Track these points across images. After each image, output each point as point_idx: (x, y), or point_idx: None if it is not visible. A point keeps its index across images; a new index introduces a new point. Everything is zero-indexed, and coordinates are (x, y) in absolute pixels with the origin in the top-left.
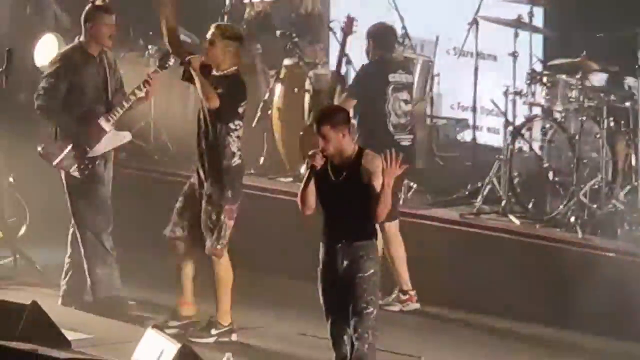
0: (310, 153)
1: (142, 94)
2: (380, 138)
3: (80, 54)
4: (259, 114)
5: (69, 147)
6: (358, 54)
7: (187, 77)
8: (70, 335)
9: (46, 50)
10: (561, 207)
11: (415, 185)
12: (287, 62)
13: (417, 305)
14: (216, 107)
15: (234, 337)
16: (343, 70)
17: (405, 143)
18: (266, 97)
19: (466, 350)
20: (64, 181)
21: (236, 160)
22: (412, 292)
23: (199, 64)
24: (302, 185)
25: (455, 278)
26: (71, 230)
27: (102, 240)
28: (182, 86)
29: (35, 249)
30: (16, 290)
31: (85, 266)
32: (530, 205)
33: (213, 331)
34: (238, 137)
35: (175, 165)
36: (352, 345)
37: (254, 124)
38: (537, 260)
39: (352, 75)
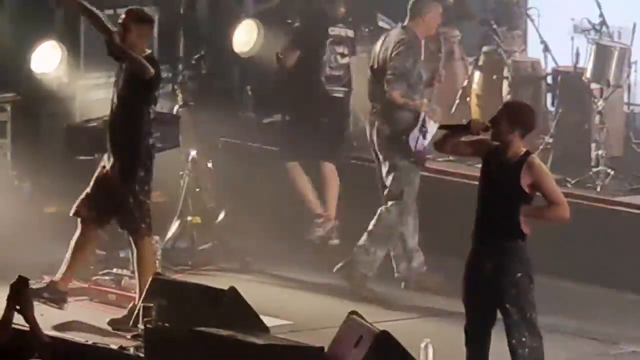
0: (474, 120)
1: None
2: (311, 88)
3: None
4: (457, 101)
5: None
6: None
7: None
8: (269, 321)
9: (244, 36)
10: None
11: (612, 172)
12: (485, 49)
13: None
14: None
15: None
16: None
17: (337, 95)
18: (465, 84)
19: None
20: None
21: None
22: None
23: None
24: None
25: None
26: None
27: None
28: None
29: (234, 235)
30: (214, 276)
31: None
32: None
33: None
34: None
35: None
36: (512, 352)
37: (452, 111)
38: None
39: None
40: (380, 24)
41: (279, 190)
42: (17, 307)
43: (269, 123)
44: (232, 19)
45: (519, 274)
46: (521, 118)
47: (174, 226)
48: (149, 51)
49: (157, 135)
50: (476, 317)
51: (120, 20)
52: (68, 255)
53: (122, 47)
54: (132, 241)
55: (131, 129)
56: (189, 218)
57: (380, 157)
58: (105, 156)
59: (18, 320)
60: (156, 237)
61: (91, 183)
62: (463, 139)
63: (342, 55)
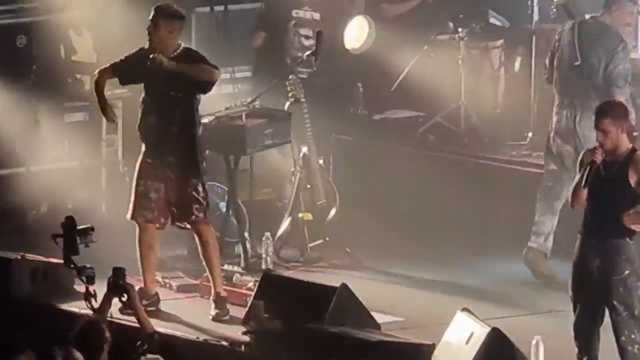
0: (588, 148)
1: None
2: (276, 69)
3: None
4: None
5: None
6: None
7: (126, 81)
8: (380, 318)
9: (355, 32)
10: None
11: None
12: None
13: None
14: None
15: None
16: None
17: (302, 75)
18: None
19: None
20: None
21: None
22: None
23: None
24: (578, 180)
25: None
26: None
27: None
28: (492, 68)
29: (345, 233)
30: (326, 272)
31: None
32: None
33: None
34: None
35: (485, 149)
36: (622, 349)
37: None
38: None
39: None
40: (492, 20)
41: (393, 188)
42: (122, 298)
43: (380, 119)
44: (344, 15)
45: (627, 272)
46: (624, 114)
47: (285, 223)
48: (182, 45)
49: (269, 131)
50: (584, 314)
51: (149, 17)
52: (141, 259)
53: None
54: (198, 231)
55: (191, 126)
56: (300, 215)
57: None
58: (145, 156)
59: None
60: (267, 234)
61: (140, 185)
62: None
63: (307, 37)
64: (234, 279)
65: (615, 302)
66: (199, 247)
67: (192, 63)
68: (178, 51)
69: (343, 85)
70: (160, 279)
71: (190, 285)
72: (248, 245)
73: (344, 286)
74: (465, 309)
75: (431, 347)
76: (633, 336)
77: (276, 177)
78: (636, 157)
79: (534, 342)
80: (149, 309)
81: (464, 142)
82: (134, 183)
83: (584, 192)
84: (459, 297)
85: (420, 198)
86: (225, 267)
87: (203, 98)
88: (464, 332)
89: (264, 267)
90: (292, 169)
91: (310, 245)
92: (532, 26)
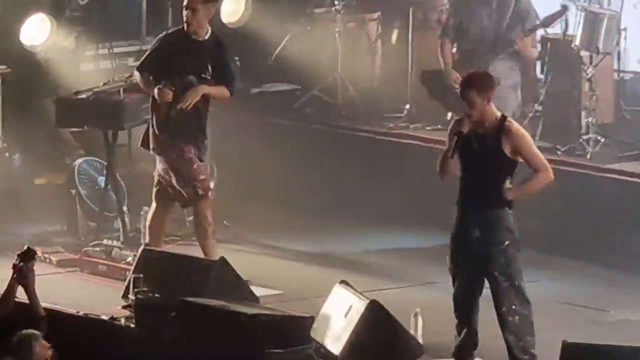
0: (456, 119)
1: None
2: None
3: None
4: None
5: None
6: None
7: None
8: (259, 291)
9: (231, 6)
10: None
11: (602, 140)
12: None
13: None
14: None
15: None
16: None
17: None
18: None
19: None
20: None
21: None
22: None
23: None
24: (445, 152)
25: None
26: None
27: None
28: (369, 41)
29: (223, 206)
30: None
31: None
32: None
33: None
34: None
35: (362, 122)
36: (502, 319)
37: None
38: None
39: None
40: None
41: (271, 161)
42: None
43: (257, 93)
44: None
45: (507, 242)
46: (488, 85)
47: None
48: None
49: (147, 106)
50: (464, 286)
51: (185, 3)
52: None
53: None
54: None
55: (204, 115)
56: None
57: None
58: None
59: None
60: (146, 208)
61: (163, 173)
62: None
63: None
64: (112, 253)
65: (495, 273)
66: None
67: (221, 51)
68: (208, 35)
69: None
70: (40, 254)
71: (70, 259)
72: (127, 220)
73: (223, 260)
74: (343, 282)
75: (310, 320)
76: (514, 307)
77: None
78: (507, 127)
79: (413, 313)
80: None
81: (341, 115)
82: None
83: (452, 163)
84: (338, 270)
85: (298, 171)
86: (105, 241)
87: (81, 74)
88: (342, 304)
89: (142, 241)
90: None
91: (189, 219)
92: None
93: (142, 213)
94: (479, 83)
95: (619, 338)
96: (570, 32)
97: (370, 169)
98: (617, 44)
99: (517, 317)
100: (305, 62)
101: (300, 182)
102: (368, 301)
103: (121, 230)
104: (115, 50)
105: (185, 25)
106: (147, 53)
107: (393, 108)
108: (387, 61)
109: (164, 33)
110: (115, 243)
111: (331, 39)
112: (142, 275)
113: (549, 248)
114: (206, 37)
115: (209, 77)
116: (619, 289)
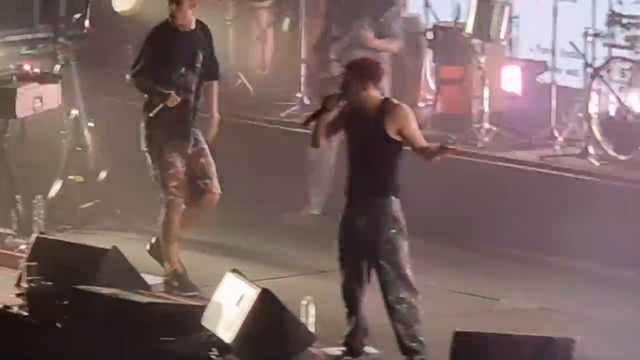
0: (326, 96)
1: None
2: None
3: None
4: None
5: None
6: None
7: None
8: (150, 280)
9: None
10: None
11: (495, 128)
12: None
13: None
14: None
15: None
16: None
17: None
18: None
19: (549, 292)
20: None
21: None
22: None
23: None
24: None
25: (535, 221)
26: None
27: None
28: (260, 29)
29: (116, 194)
30: (97, 234)
31: None
32: (610, 147)
33: None
34: None
35: (254, 110)
36: (390, 308)
37: None
38: (618, 201)
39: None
40: None
41: None
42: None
43: None
44: None
45: (393, 230)
46: (368, 71)
47: (56, 185)
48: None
49: (40, 94)
50: (351, 274)
51: None
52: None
53: None
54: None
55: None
56: (71, 177)
57: None
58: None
59: None
60: (38, 197)
61: (182, 168)
62: (329, 122)
63: None
64: (6, 241)
65: (382, 262)
66: None
67: (209, 38)
68: (194, 24)
69: (113, 47)
70: None
71: None
72: (20, 208)
73: (114, 248)
74: (235, 270)
75: (201, 308)
76: (402, 295)
77: (48, 140)
78: (389, 106)
79: (304, 302)
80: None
81: (233, 103)
82: None
83: (321, 134)
84: (229, 258)
85: None
86: None
87: None
88: (234, 293)
89: (35, 229)
90: (62, 132)
91: (81, 207)
92: None
93: (34, 201)
94: (358, 68)
95: (508, 326)
96: (461, 19)
97: (263, 157)
98: (509, 32)
99: (405, 306)
100: None
101: None
102: (260, 290)
103: (14, 218)
104: (8, 38)
105: (170, 18)
106: (137, 58)
107: (285, 97)
108: (278, 49)
109: (150, 33)
110: (8, 231)
111: (222, 27)
112: (35, 264)
113: (438, 237)
114: (193, 27)
115: (200, 66)
116: (508, 277)
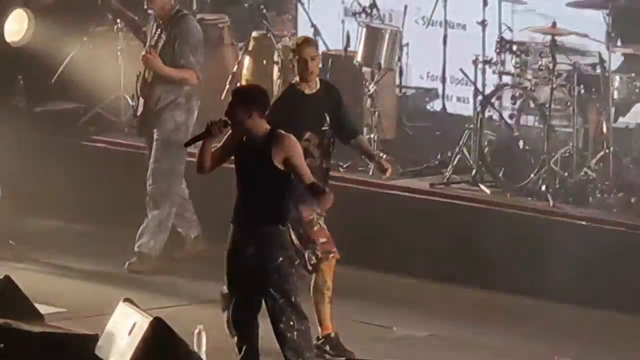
0: (211, 121)
1: None
2: None
3: None
4: (227, 86)
5: None
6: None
7: None
8: (43, 309)
9: (15, 25)
10: (532, 175)
11: (385, 156)
12: (255, 34)
13: None
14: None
15: None
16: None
17: None
18: (234, 69)
19: (439, 319)
20: None
21: None
22: None
23: None
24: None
25: (426, 249)
26: None
27: None
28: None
29: (8, 225)
30: None
31: None
32: (500, 175)
33: None
34: None
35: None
36: (281, 336)
37: (222, 97)
38: (508, 229)
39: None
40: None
41: (56, 179)
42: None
43: (41, 111)
44: (3, 8)
45: (281, 259)
46: (254, 99)
47: None
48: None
49: None
50: (241, 303)
51: None
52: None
53: None
54: None
55: None
56: None
57: None
58: None
59: None
60: None
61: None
62: (217, 149)
63: None
64: None
65: (271, 290)
66: None
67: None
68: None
69: (3, 77)
70: None
71: None
72: None
73: (7, 278)
74: (127, 299)
75: (94, 338)
76: (291, 322)
77: None
78: (275, 136)
79: (196, 331)
80: None
81: (124, 132)
82: None
83: (206, 158)
84: (122, 288)
85: (85, 188)
86: None
87: None
88: (126, 322)
89: None
90: None
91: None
92: None
93: None
94: (242, 95)
95: (402, 354)
96: (351, 47)
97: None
98: (399, 59)
99: (295, 333)
100: (88, 80)
101: (85, 201)
102: (152, 319)
103: None
104: None
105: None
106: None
107: None
108: None
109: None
110: None
111: (114, 57)
112: None
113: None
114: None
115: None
116: (402, 305)
